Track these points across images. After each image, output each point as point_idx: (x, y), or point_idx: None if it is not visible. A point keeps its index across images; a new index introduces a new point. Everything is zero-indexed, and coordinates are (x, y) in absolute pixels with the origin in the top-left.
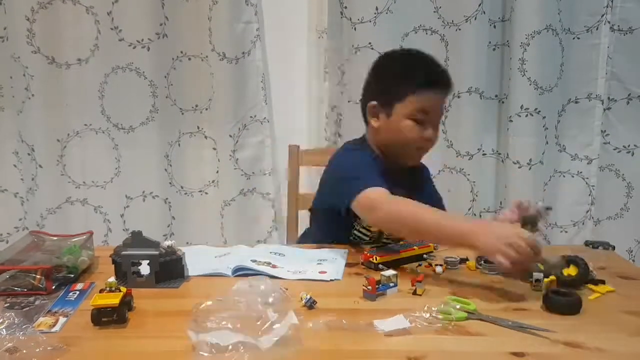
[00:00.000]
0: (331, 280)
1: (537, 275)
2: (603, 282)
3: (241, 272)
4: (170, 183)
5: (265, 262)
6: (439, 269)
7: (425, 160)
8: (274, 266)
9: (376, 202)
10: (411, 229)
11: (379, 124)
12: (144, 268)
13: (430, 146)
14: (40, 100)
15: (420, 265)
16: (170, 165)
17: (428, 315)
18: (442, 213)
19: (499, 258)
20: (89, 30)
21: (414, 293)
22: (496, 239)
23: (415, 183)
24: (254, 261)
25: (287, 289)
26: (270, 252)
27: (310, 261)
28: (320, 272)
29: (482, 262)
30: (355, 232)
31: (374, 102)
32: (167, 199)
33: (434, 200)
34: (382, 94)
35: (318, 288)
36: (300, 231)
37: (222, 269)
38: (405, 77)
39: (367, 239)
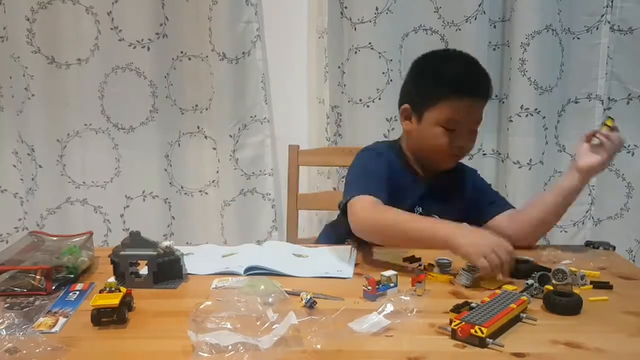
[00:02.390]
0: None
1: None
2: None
3: (253, 271)
4: (170, 183)
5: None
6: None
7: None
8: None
9: (357, 209)
10: (390, 236)
11: (410, 128)
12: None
13: (465, 153)
14: (40, 100)
15: (420, 265)
16: (170, 165)
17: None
18: (421, 218)
19: (482, 261)
20: (89, 30)
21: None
22: (480, 243)
23: (450, 186)
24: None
25: (287, 290)
26: (293, 254)
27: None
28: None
29: (461, 270)
30: None
31: (407, 105)
32: (167, 199)
33: (482, 203)
34: (414, 98)
35: (318, 288)
36: (301, 231)
37: (234, 267)
38: (437, 83)
39: None
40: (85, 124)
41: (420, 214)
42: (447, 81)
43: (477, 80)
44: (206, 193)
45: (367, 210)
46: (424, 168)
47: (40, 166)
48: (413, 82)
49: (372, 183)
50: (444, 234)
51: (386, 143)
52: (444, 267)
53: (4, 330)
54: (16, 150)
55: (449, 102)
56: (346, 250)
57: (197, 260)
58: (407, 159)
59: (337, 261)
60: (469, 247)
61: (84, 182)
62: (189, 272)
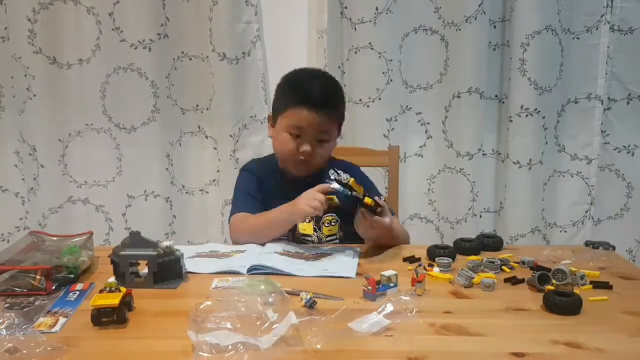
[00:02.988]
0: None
1: (487, 281)
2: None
3: (256, 270)
4: (171, 182)
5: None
6: (436, 270)
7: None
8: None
9: (232, 227)
10: (260, 234)
11: (271, 134)
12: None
13: (314, 163)
14: (42, 101)
15: (420, 265)
16: (172, 165)
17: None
18: (273, 210)
19: (307, 208)
20: (90, 31)
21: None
22: (297, 202)
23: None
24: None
25: (287, 290)
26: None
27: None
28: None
29: (460, 270)
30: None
31: (270, 113)
32: (168, 198)
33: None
34: (273, 106)
35: (318, 288)
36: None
37: (236, 266)
38: (286, 92)
39: (310, 240)
40: (87, 124)
41: None
42: (291, 90)
43: (316, 93)
44: (207, 192)
45: (237, 224)
46: (289, 174)
47: (42, 166)
48: (275, 91)
49: (242, 202)
50: (286, 210)
51: (263, 158)
52: (444, 267)
53: (4, 330)
54: (17, 150)
55: (292, 109)
56: (350, 250)
57: (198, 260)
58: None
59: (340, 261)
60: (294, 208)
61: (85, 182)
62: (191, 271)
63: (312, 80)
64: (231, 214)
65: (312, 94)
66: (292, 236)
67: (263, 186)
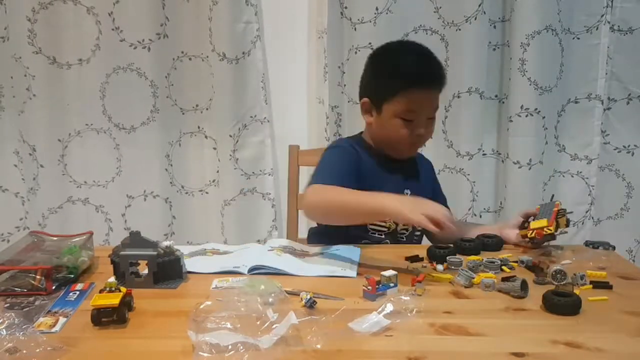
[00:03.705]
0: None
1: (487, 281)
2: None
3: (257, 270)
4: (171, 183)
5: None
6: (439, 268)
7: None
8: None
9: (307, 194)
10: (336, 210)
11: (371, 120)
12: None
13: (424, 141)
14: (41, 101)
15: (424, 266)
16: (171, 165)
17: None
18: (362, 192)
19: (420, 217)
20: (90, 31)
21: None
22: (414, 206)
23: (409, 173)
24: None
25: (287, 290)
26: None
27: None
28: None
29: (460, 270)
30: (370, 226)
31: (366, 99)
32: (167, 198)
33: (435, 196)
34: (373, 91)
35: (318, 288)
36: (301, 230)
37: (238, 266)
38: (393, 76)
39: (386, 229)
40: (87, 124)
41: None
42: (402, 75)
43: (430, 72)
44: (206, 192)
45: (315, 192)
46: (383, 157)
47: (41, 166)
48: (370, 76)
49: (331, 175)
50: (380, 201)
51: (351, 138)
52: (453, 265)
53: (4, 330)
54: (17, 150)
55: (406, 95)
56: (351, 249)
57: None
58: (372, 149)
59: (342, 260)
60: (403, 208)
61: (85, 182)
62: (193, 270)
63: (417, 57)
64: (309, 185)
65: (425, 74)
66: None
67: (361, 159)
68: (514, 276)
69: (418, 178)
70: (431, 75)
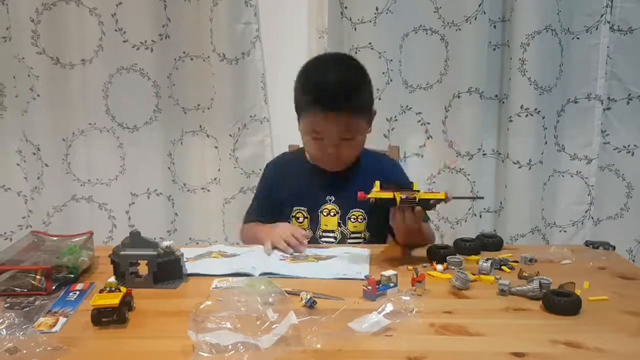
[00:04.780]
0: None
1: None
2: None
3: (269, 276)
4: (173, 181)
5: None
6: (439, 268)
7: None
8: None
9: (240, 229)
10: (254, 242)
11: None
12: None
13: (346, 159)
14: (45, 100)
15: (424, 266)
16: (173, 164)
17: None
18: (259, 229)
19: (281, 244)
20: (93, 32)
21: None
22: (272, 234)
23: (337, 182)
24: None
25: (287, 290)
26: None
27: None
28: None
29: (457, 274)
30: (321, 240)
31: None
32: (170, 196)
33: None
34: (294, 104)
35: (318, 288)
36: None
37: (247, 268)
38: (299, 94)
39: (334, 241)
40: (90, 123)
41: (333, 202)
42: (304, 94)
43: (332, 96)
44: (208, 190)
45: (240, 233)
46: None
47: (46, 165)
48: (294, 87)
49: (253, 211)
50: (261, 236)
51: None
52: (455, 265)
53: (4, 330)
54: (20, 149)
55: (308, 114)
56: (360, 251)
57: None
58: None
59: (353, 262)
60: (267, 239)
61: (89, 180)
62: (202, 272)
63: (326, 75)
64: (244, 219)
65: (326, 95)
66: (315, 232)
67: (286, 172)
68: (529, 276)
69: (348, 186)
70: (331, 99)
